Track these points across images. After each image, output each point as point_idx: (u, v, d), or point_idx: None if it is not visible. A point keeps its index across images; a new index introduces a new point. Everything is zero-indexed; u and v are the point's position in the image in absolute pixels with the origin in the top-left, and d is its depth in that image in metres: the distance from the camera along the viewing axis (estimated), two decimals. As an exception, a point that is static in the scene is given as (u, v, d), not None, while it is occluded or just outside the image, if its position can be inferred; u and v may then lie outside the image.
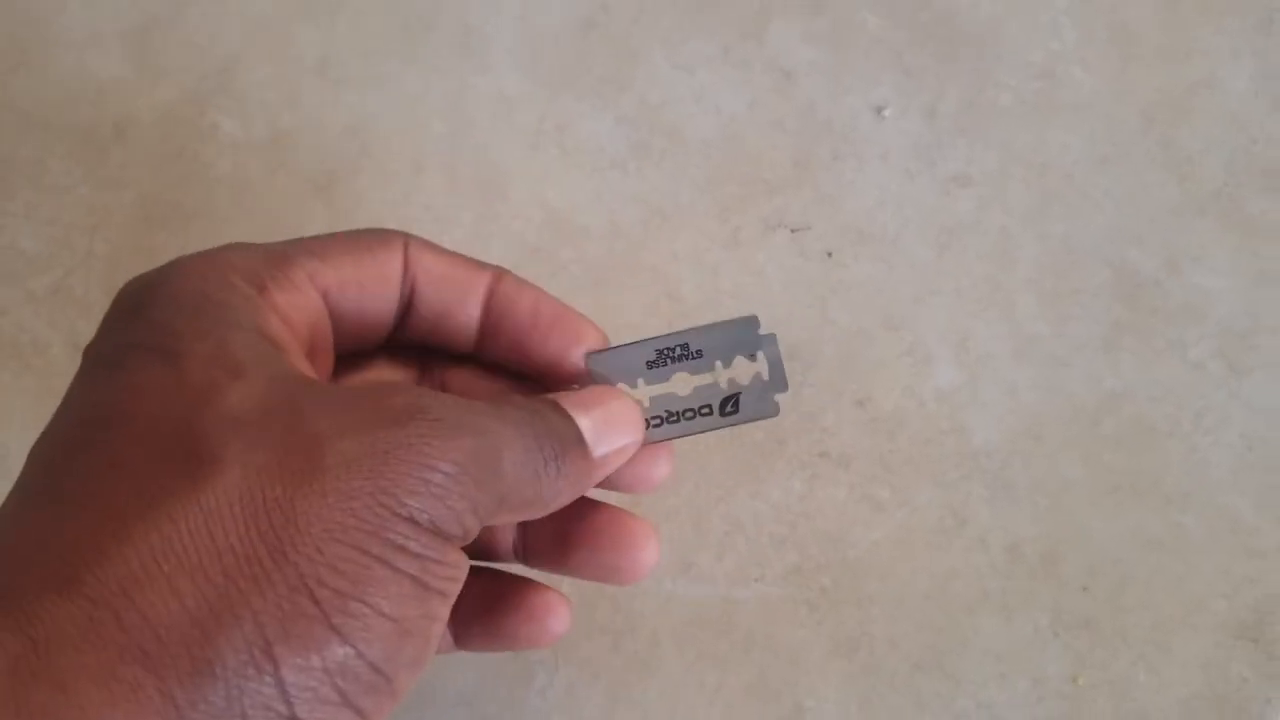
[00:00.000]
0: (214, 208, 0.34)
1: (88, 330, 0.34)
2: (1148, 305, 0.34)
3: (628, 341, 0.28)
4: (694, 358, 0.28)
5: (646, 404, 0.27)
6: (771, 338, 0.28)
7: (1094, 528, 0.33)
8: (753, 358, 0.27)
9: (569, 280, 0.34)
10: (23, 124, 0.35)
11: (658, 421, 0.27)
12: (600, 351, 0.28)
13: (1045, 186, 0.35)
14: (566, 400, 0.24)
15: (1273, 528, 0.32)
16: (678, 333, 0.28)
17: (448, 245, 0.34)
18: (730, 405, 0.28)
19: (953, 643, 0.32)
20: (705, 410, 0.28)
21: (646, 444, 0.27)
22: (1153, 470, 0.33)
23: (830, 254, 0.34)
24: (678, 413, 0.28)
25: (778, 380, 0.28)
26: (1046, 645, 0.32)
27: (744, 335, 0.28)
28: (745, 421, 0.28)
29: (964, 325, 0.34)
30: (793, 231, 0.34)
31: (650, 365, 0.28)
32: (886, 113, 0.35)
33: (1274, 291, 0.34)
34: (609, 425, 0.25)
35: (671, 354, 0.28)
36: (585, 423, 0.24)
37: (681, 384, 0.27)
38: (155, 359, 0.20)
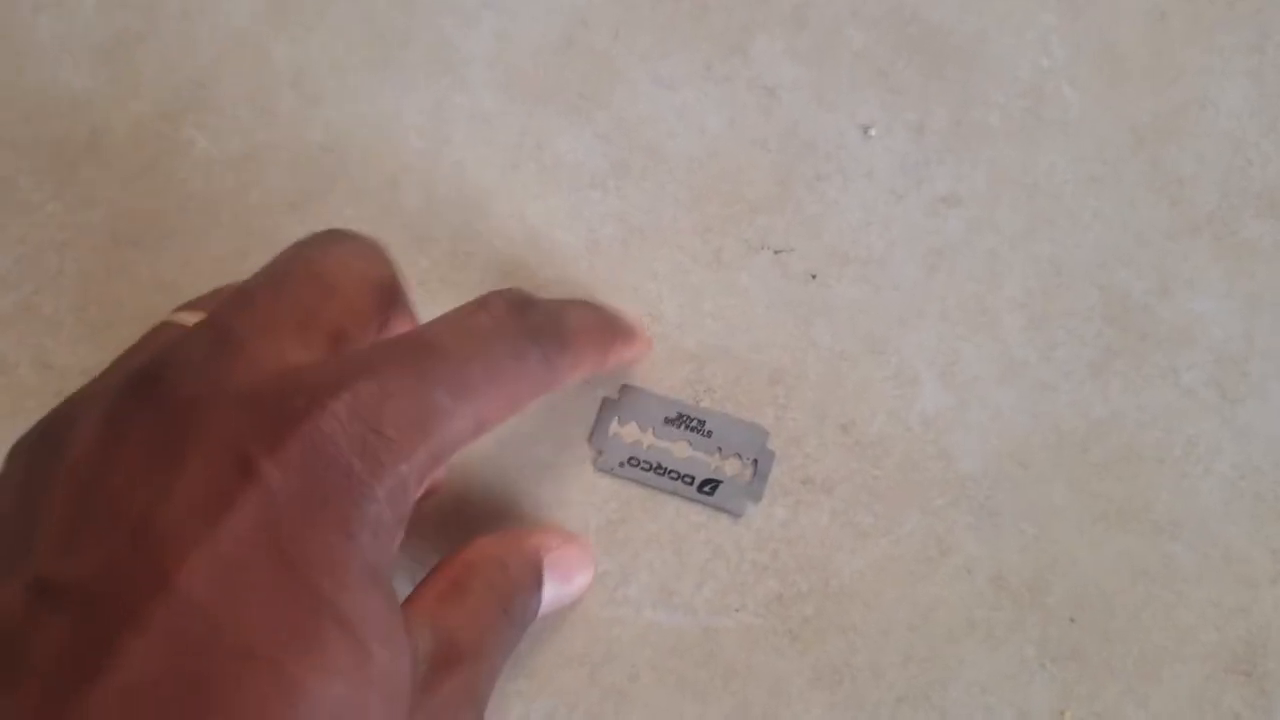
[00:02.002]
0: (187, 224, 0.34)
1: (55, 349, 0.34)
2: (1138, 329, 0.34)
3: (658, 392, 0.33)
4: (704, 435, 0.33)
5: (646, 445, 0.33)
6: (771, 453, 0.33)
7: (1081, 557, 0.33)
8: (747, 461, 0.33)
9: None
10: (-8, 139, 0.35)
11: (646, 467, 0.33)
12: (635, 387, 0.33)
13: (1034, 207, 0.35)
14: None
15: (1265, 558, 0.32)
16: (703, 409, 0.33)
17: (425, 264, 0.34)
18: (708, 487, 0.33)
19: (938, 673, 0.32)
20: (687, 479, 0.33)
21: (626, 479, 0.33)
22: (1142, 498, 0.33)
23: (814, 275, 0.34)
24: (665, 469, 0.33)
25: (758, 489, 0.33)
26: (1033, 676, 0.32)
27: (753, 439, 0.33)
28: (711, 506, 0.33)
29: (951, 348, 0.34)
30: (776, 252, 0.34)
31: (667, 421, 0.33)
32: (872, 131, 0.35)
33: (1268, 317, 0.34)
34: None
35: (688, 422, 0.33)
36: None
37: (680, 449, 0.33)
38: None
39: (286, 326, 0.23)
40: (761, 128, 0.35)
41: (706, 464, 0.33)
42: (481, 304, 0.25)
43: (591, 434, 0.33)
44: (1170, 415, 0.34)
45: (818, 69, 0.35)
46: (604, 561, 0.33)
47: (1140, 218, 0.35)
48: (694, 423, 0.33)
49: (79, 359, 0.34)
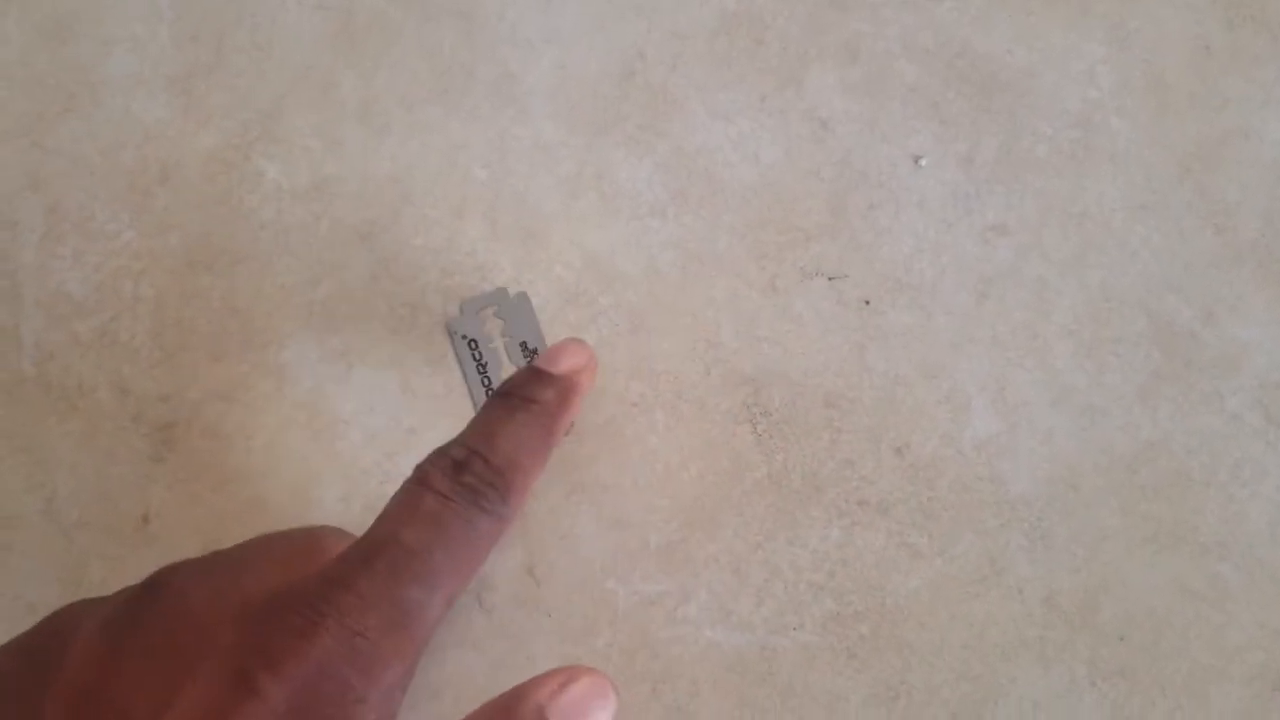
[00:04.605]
0: (259, 253, 0.36)
1: (133, 374, 0.36)
2: (1185, 355, 0.36)
3: (541, 319, 0.36)
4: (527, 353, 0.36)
5: (493, 346, 0.36)
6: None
7: (1131, 577, 0.34)
8: None
9: (607, 325, 0.36)
10: (70, 169, 0.37)
11: (476, 359, 0.36)
12: (527, 303, 0.36)
13: (1083, 235, 0.36)
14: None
15: (1310, 579, 0.34)
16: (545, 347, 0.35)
17: (488, 290, 0.36)
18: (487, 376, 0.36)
19: (990, 691, 0.34)
20: (481, 369, 0.36)
21: (456, 349, 0.35)
22: (1190, 520, 0.35)
23: (868, 302, 0.36)
24: (485, 373, 0.36)
25: None
26: (1083, 695, 0.34)
27: None
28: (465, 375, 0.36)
29: (1002, 374, 0.36)
30: (830, 279, 0.36)
31: (523, 347, 0.36)
32: (923, 161, 0.37)
33: (1311, 342, 0.36)
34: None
35: (527, 349, 0.36)
36: None
37: (509, 371, 0.36)
38: None
39: (277, 563, 0.26)
40: (815, 158, 0.37)
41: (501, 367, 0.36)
42: (421, 482, 0.27)
43: (467, 300, 0.36)
44: (1217, 439, 0.35)
45: (870, 101, 0.37)
46: (664, 581, 0.35)
47: (1186, 245, 0.36)
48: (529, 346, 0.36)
49: (155, 384, 0.36)
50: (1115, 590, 0.34)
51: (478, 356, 0.35)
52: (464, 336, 0.35)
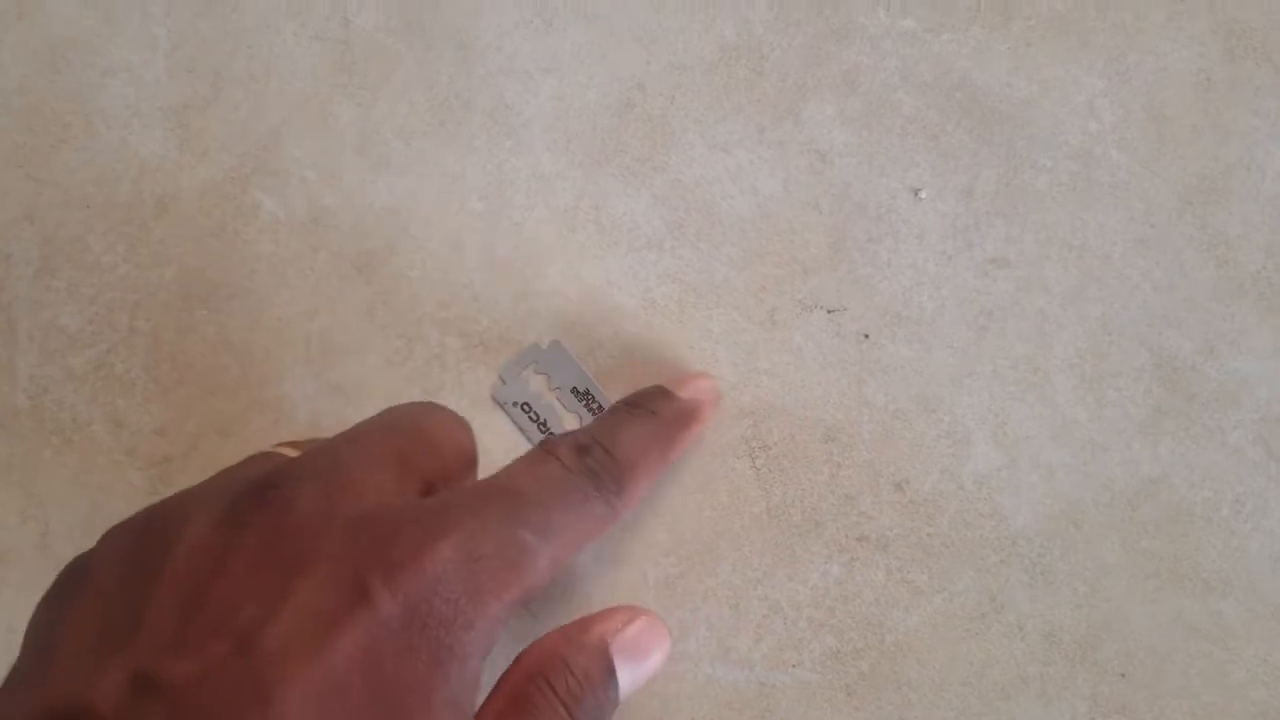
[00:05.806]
0: (255, 285, 0.36)
1: (128, 408, 0.36)
2: (1186, 389, 0.36)
3: (579, 360, 0.36)
4: (589, 405, 0.36)
5: (544, 401, 0.36)
6: None
7: (1132, 614, 0.34)
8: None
9: (605, 358, 0.36)
10: (65, 201, 0.37)
11: (533, 419, 0.36)
12: (564, 348, 0.36)
13: (1083, 268, 0.37)
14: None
15: (1313, 616, 0.34)
16: (607, 396, 0.36)
17: (485, 323, 0.36)
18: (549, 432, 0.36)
19: (991, 730, 0.34)
20: (543, 428, 0.36)
21: (511, 417, 0.36)
22: (1191, 556, 0.35)
23: (867, 335, 0.36)
24: (547, 429, 0.36)
25: None
26: (1086, 733, 0.34)
27: None
28: None
29: (1002, 408, 0.36)
30: (829, 312, 0.36)
31: (574, 391, 0.36)
32: (923, 194, 0.37)
33: (1313, 376, 0.36)
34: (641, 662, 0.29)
35: (590, 401, 0.36)
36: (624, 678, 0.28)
37: (571, 420, 0.36)
38: None
39: (388, 466, 0.26)
40: (814, 190, 0.37)
41: (562, 424, 0.36)
42: (549, 451, 0.28)
43: (505, 366, 0.36)
44: (1218, 474, 0.35)
45: (869, 133, 0.38)
46: (663, 617, 0.35)
47: (1187, 278, 0.37)
48: (595, 405, 0.36)
49: (151, 418, 0.36)
50: (1117, 627, 0.35)
51: (535, 417, 0.36)
52: (515, 403, 0.36)
